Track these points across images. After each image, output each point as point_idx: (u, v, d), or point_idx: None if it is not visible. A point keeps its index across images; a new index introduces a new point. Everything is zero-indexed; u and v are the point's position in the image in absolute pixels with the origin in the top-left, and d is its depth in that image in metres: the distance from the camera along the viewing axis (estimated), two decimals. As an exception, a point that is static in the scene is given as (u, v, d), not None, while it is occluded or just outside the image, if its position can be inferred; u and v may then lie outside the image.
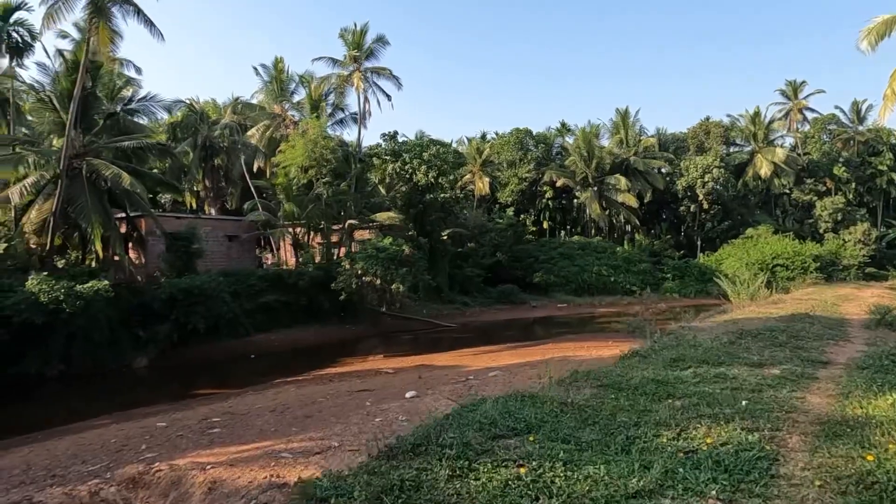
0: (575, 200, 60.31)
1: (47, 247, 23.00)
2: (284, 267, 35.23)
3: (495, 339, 30.06)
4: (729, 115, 61.77)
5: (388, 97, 37.94)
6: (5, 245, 22.02)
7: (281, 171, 34.51)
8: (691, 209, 54.79)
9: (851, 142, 61.25)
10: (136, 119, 39.88)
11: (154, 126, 45.31)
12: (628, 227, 58.15)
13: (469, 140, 63.07)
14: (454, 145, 64.02)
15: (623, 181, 52.44)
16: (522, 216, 57.07)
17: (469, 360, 22.09)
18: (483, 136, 63.60)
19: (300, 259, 34.16)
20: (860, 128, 61.11)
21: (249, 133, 43.06)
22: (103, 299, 21.17)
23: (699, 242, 56.51)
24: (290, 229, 36.55)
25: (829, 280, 47.24)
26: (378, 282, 30.27)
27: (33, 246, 25.03)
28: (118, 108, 34.07)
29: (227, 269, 32.70)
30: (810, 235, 55.04)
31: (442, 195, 39.95)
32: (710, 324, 12.08)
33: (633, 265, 50.47)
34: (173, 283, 24.54)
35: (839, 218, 55.09)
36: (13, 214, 24.55)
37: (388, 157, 41.32)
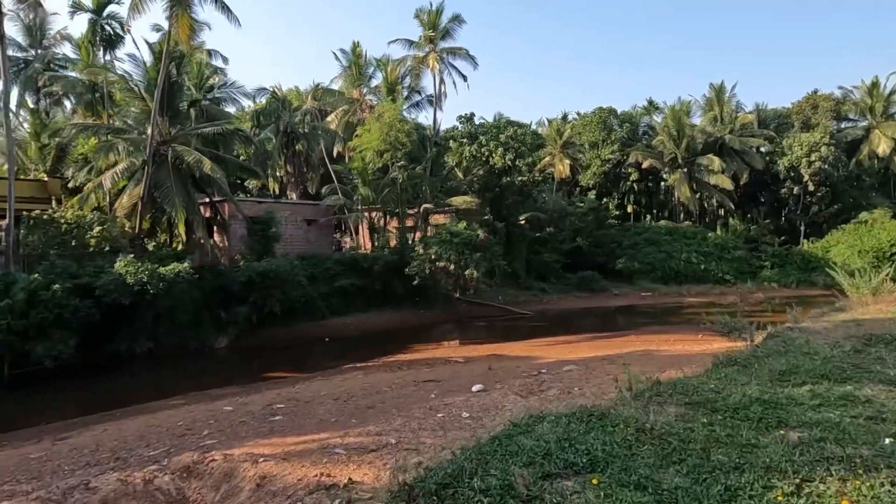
0: (662, 183, 56.88)
1: (136, 230, 24.05)
2: (362, 251, 35.38)
3: (573, 329, 28.69)
4: (841, 88, 55.86)
5: (464, 78, 36.99)
6: (100, 228, 23.20)
7: (357, 155, 34.54)
8: (794, 191, 50.01)
9: None
10: (222, 107, 41.43)
11: (240, 114, 46.92)
12: (721, 212, 54.01)
13: (549, 122, 61.00)
14: (534, 127, 62.22)
15: (716, 162, 48.63)
16: (605, 200, 54.49)
17: (543, 350, 21.00)
18: (564, 117, 61.26)
19: (376, 243, 34.16)
20: None
21: (329, 118, 43.54)
22: (185, 281, 21.86)
23: (802, 228, 51.63)
24: (367, 213, 36.64)
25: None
26: (452, 267, 29.62)
27: (127, 229, 26.39)
28: (204, 97, 35.36)
29: (304, 252, 33.30)
30: (938, 220, 48.70)
31: (519, 178, 38.64)
32: (824, 324, 10.32)
33: (727, 252, 46.89)
34: (251, 266, 25.04)
35: (975, 200, 48.46)
36: (108, 199, 25.92)
37: (464, 140, 40.42)
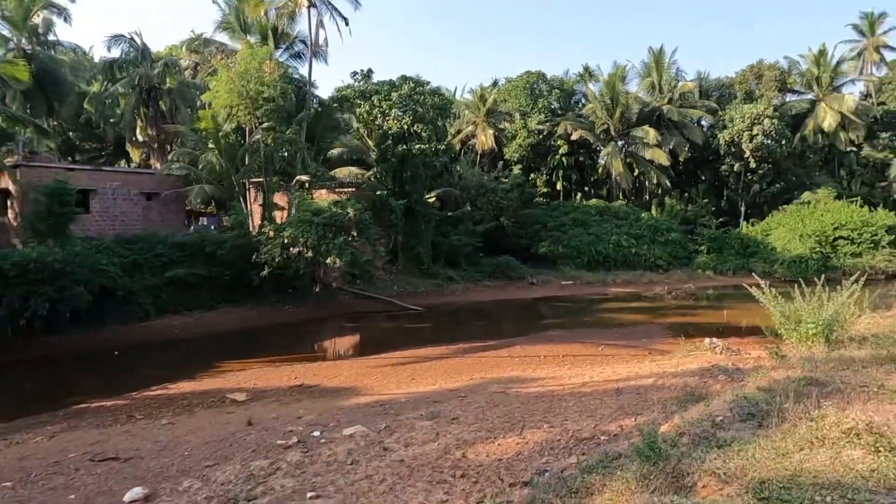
0: (600, 159, 51.82)
1: None
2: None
3: (457, 332, 23.06)
4: (786, 57, 51.43)
5: (346, 21, 30.23)
6: None
7: (206, 113, 27.71)
8: (735, 168, 45.60)
9: (940, 88, 50.26)
10: (56, 54, 33.72)
11: (85, 62, 39.11)
12: (660, 190, 49.36)
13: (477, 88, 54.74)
14: (461, 95, 56.03)
15: (652, 133, 43.67)
16: (532, 175, 48.99)
17: (380, 376, 15.13)
18: (495, 83, 55.09)
19: (228, 223, 27.63)
20: (952, 71, 49.94)
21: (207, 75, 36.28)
22: None
23: (743, 208, 47.51)
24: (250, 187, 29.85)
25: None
26: (309, 254, 23.44)
27: None
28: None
29: (140, 233, 26.62)
30: (882, 202, 45.29)
31: (419, 146, 32.44)
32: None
33: (661, 235, 42.18)
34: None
35: (921, 181, 45.12)
36: None
37: (357, 100, 33.95)
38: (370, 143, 36.36)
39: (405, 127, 31.78)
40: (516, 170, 46.81)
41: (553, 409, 10.51)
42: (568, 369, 14.87)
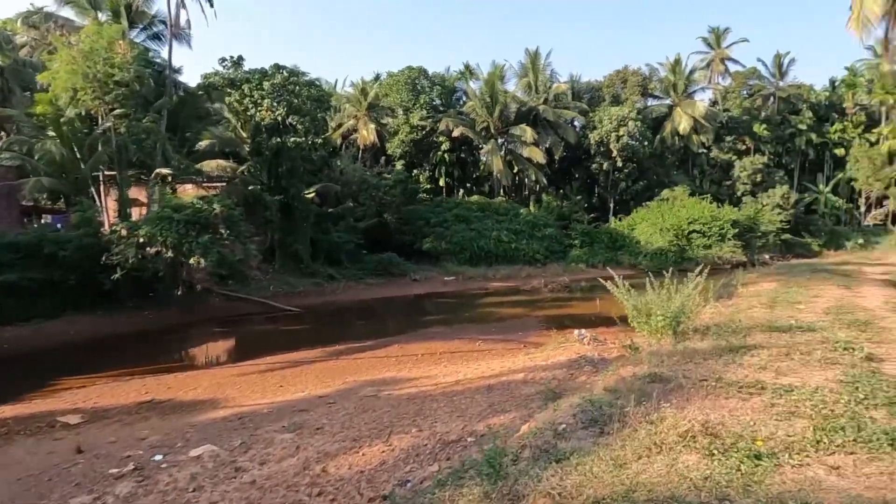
0: (481, 156, 52.85)
1: None
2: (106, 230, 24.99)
3: (336, 332, 22.21)
4: (648, 64, 55.73)
5: (211, 2, 28.06)
6: None
7: (44, 96, 24.41)
8: (604, 167, 48.53)
9: (772, 98, 56.96)
10: None
11: None
12: (538, 188, 51.28)
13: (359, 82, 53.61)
14: (343, 88, 54.65)
15: (529, 132, 45.17)
16: (415, 171, 48.85)
17: (245, 385, 14.00)
18: (376, 78, 54.24)
19: (72, 220, 24.61)
20: (781, 83, 56.76)
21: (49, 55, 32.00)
22: None
23: (612, 205, 50.70)
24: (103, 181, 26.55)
25: (748, 249, 42.60)
26: (169, 254, 21.42)
27: None
28: None
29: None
30: (728, 198, 50.47)
31: (294, 139, 30.93)
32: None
33: (538, 230, 43.76)
34: None
35: (758, 180, 50.72)
36: None
37: (226, 89, 31.68)
38: (244, 134, 34.20)
39: (280, 118, 30.15)
40: (399, 165, 46.43)
41: (424, 410, 10.20)
42: (444, 367, 14.68)
